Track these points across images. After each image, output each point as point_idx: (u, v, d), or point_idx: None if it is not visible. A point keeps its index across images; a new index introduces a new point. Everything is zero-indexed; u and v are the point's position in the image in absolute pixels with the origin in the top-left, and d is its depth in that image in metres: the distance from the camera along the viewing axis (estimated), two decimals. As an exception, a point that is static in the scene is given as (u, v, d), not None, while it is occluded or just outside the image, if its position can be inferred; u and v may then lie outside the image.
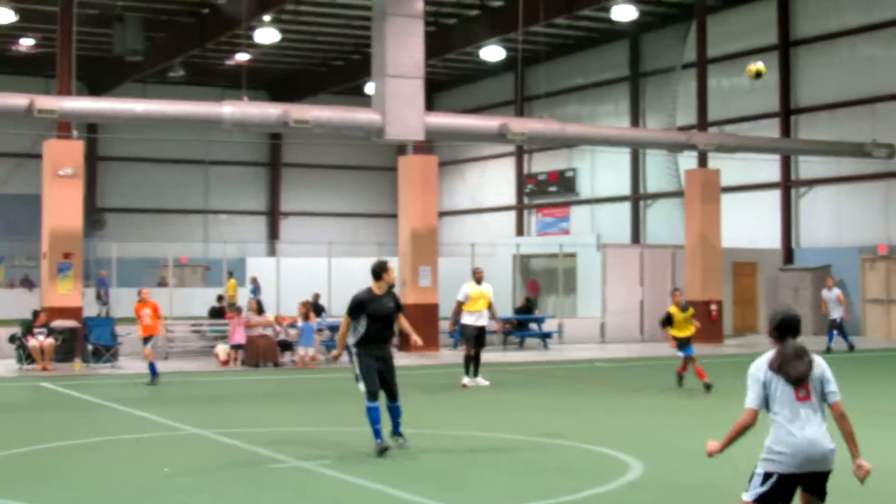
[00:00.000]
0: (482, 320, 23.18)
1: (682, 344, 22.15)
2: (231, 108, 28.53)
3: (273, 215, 60.41)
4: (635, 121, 49.64)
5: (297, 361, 29.04)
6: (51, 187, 30.18)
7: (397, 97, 29.54)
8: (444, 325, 34.91)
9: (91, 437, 16.05)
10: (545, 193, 54.76)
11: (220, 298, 34.11)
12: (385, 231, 57.86)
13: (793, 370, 8.11)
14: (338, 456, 14.22)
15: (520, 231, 55.21)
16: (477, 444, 15.60)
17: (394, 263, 32.73)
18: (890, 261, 39.65)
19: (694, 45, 39.75)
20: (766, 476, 8.01)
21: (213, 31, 43.37)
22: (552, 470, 13.44)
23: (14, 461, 13.99)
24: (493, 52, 48.08)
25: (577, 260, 41.27)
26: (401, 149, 41.75)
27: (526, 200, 56.05)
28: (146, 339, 23.80)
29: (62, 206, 30.08)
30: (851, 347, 33.52)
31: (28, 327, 27.97)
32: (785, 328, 8.36)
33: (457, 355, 32.68)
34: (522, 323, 36.94)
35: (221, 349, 29.39)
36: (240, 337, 28.87)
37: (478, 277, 23.27)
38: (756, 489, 8.03)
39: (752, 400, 8.18)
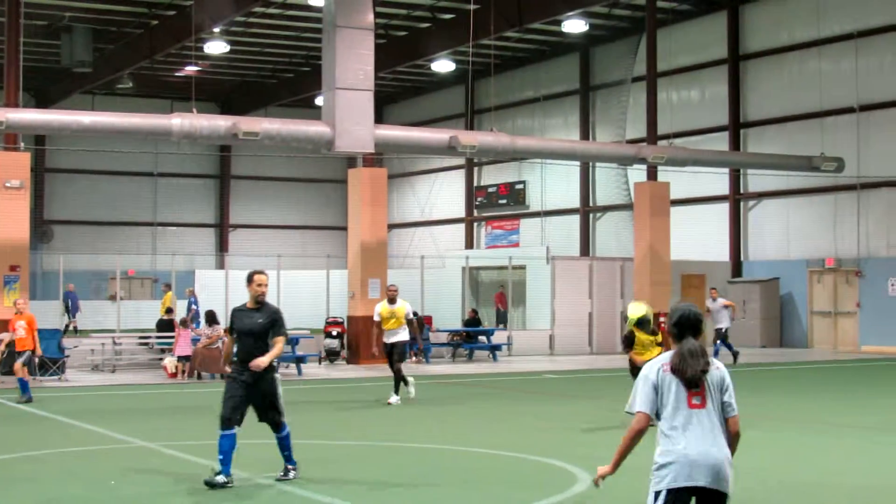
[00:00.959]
0: (396, 337, 22.52)
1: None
2: (180, 121, 28.40)
3: (222, 228, 60.18)
4: (585, 134, 49.82)
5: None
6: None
7: (347, 109, 29.49)
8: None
9: (37, 450, 15.89)
10: (495, 206, 54.86)
11: (168, 311, 33.90)
12: (335, 244, 57.78)
13: (689, 369, 7.23)
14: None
15: (469, 243, 55.27)
16: (424, 455, 15.57)
17: (341, 275, 32.71)
18: (837, 273, 39.97)
19: (644, 58, 39.91)
20: (656, 495, 7.30)
21: (163, 42, 43.19)
22: (500, 482, 13.41)
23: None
24: (443, 65, 48.27)
25: (527, 272, 41.31)
26: (351, 161, 41.77)
27: (476, 213, 56.14)
28: (19, 354, 22.88)
29: (9, 219, 29.81)
30: (736, 357, 32.74)
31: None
32: (685, 325, 7.44)
33: (407, 367, 32.67)
34: (471, 335, 36.95)
35: (169, 361, 29.22)
36: (185, 349, 28.72)
37: (390, 296, 22.78)
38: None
39: (642, 403, 7.38)
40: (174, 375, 28.83)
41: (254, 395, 12.89)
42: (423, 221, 58.77)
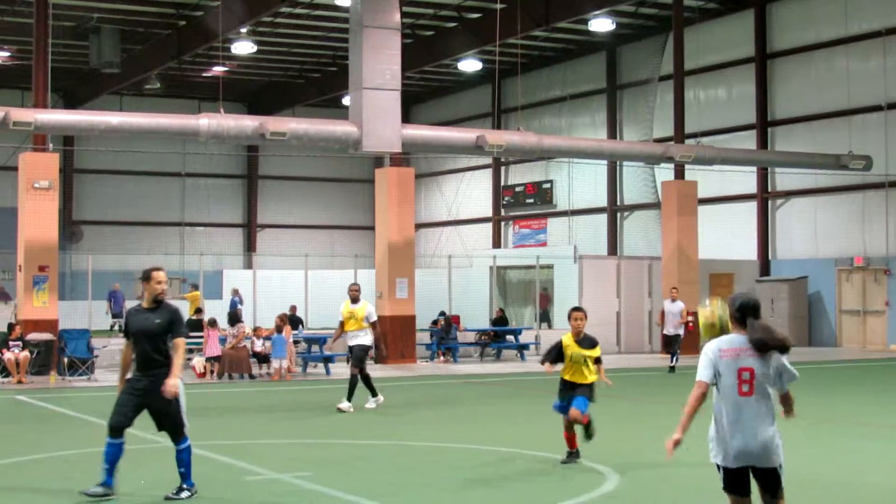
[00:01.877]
0: (354, 340, 21.18)
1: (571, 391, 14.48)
2: (208, 121, 28.47)
3: (250, 227, 60.27)
4: (612, 133, 49.71)
5: (272, 374, 28.97)
6: (26, 200, 30.04)
7: (374, 109, 29.52)
8: (422, 337, 35.04)
9: (66, 450, 15.96)
10: (522, 205, 54.79)
11: (197, 311, 33.96)
12: (362, 243, 57.80)
13: (765, 335, 8.05)
14: (315, 468, 14.16)
15: (497, 243, 55.21)
16: (451, 456, 15.57)
17: (369, 275, 32.68)
18: (866, 272, 39.78)
19: (671, 57, 39.82)
20: (717, 468, 8.35)
21: (190, 43, 43.29)
22: (529, 481, 13.40)
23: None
24: (470, 64, 48.25)
25: (554, 272, 41.26)
26: (378, 161, 41.77)
27: (503, 212, 56.06)
28: None
29: (38, 219, 29.95)
30: (672, 368, 30.14)
31: (3, 340, 27.83)
32: (746, 309, 8.19)
33: (435, 367, 32.72)
34: (499, 335, 36.94)
35: (198, 361, 29.28)
36: (215, 349, 28.79)
37: (352, 296, 21.37)
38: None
39: (704, 375, 8.21)
40: (203, 375, 28.89)
41: (152, 403, 11.97)
42: (451, 221, 58.74)
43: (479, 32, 42.09)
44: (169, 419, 12.03)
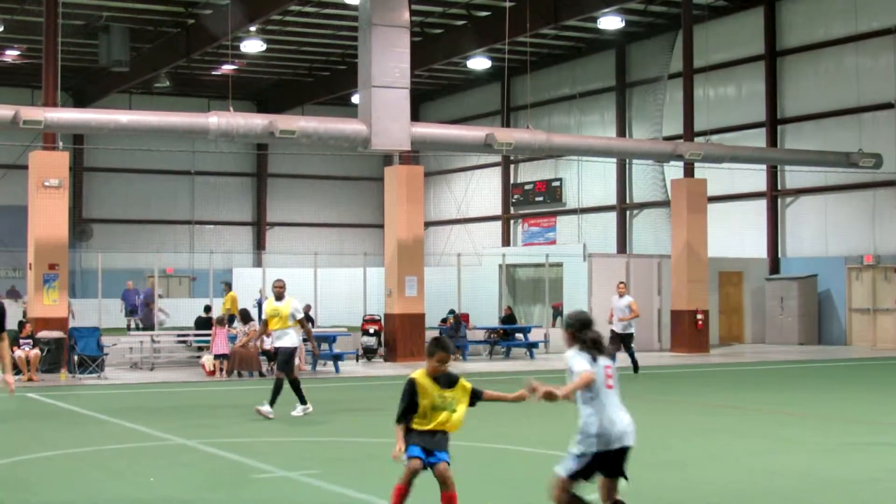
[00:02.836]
0: (279, 341, 19.85)
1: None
2: (217, 119, 28.50)
3: (259, 226, 60.33)
4: (622, 131, 49.70)
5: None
6: (36, 198, 30.09)
7: (383, 107, 29.54)
8: (431, 335, 34.97)
9: (76, 448, 15.98)
10: (531, 203, 54.79)
11: (207, 309, 34.01)
12: (371, 241, 57.85)
13: (598, 337, 9.30)
14: (325, 466, 14.18)
15: (506, 241, 55.22)
16: (460, 454, 15.56)
17: (378, 273, 32.73)
18: (876, 270, 39.72)
19: (680, 54, 39.79)
20: (581, 455, 9.28)
21: (199, 41, 43.32)
22: (535, 479, 13.40)
23: (-2, 472, 13.94)
24: (479, 62, 48.26)
25: (564, 270, 41.25)
26: (387, 159, 41.81)
27: (512, 210, 56.06)
28: None
29: (48, 217, 30.00)
30: (636, 369, 28.67)
31: (14, 338, 27.87)
32: (581, 324, 9.31)
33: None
34: (508, 333, 36.96)
35: (207, 359, 29.32)
36: (223, 347, 28.82)
37: (276, 292, 20.01)
38: (572, 466, 9.34)
39: (588, 367, 9.15)
40: (212, 373, 28.93)
41: None
42: (460, 219, 58.74)
43: (488, 30, 42.10)
44: None
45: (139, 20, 43.34)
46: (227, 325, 29.66)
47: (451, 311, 36.18)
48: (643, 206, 49.21)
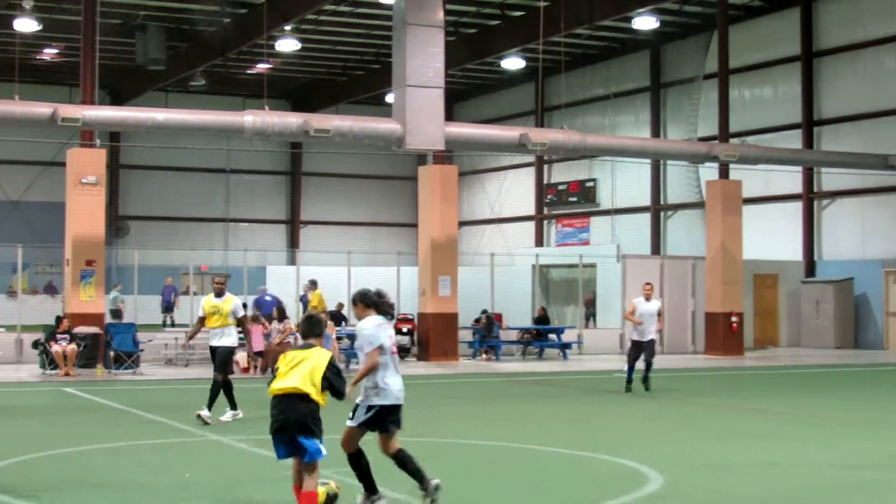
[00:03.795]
0: (217, 339, 18.73)
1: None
2: (252, 118, 28.60)
3: (293, 224, 60.47)
4: (656, 131, 49.57)
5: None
6: (74, 195, 30.30)
7: (417, 107, 29.57)
8: (464, 335, 35.01)
9: (112, 442, 16.06)
10: (565, 204, 54.72)
11: (243, 306, 34.09)
12: (405, 240, 57.85)
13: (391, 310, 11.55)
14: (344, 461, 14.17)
15: (539, 241, 55.16)
16: (495, 454, 15.58)
17: (412, 272, 32.74)
18: (912, 273, 39.51)
19: (716, 55, 39.67)
20: (372, 408, 11.16)
21: (235, 40, 43.50)
22: (570, 481, 13.41)
23: (34, 465, 14.02)
24: (513, 62, 48.24)
25: (597, 271, 41.18)
26: (421, 158, 41.85)
27: (546, 211, 56.00)
28: None
29: (85, 214, 30.20)
30: (647, 385, 24.30)
31: (51, 333, 28.09)
32: (368, 298, 11.51)
33: (477, 365, 32.71)
34: (541, 333, 36.92)
35: (242, 357, 29.42)
36: (258, 344, 28.93)
37: (216, 289, 18.98)
38: (361, 418, 11.21)
39: (382, 341, 11.15)
40: (247, 370, 29.04)
41: None
42: (493, 219, 58.71)
43: (523, 30, 42.05)
44: None
45: (175, 19, 43.53)
46: (258, 322, 29.71)
47: (484, 311, 36.17)
48: (677, 207, 49.07)
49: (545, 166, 55.99)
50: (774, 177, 42.37)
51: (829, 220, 42.83)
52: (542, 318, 38.43)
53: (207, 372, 29.07)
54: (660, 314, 24.58)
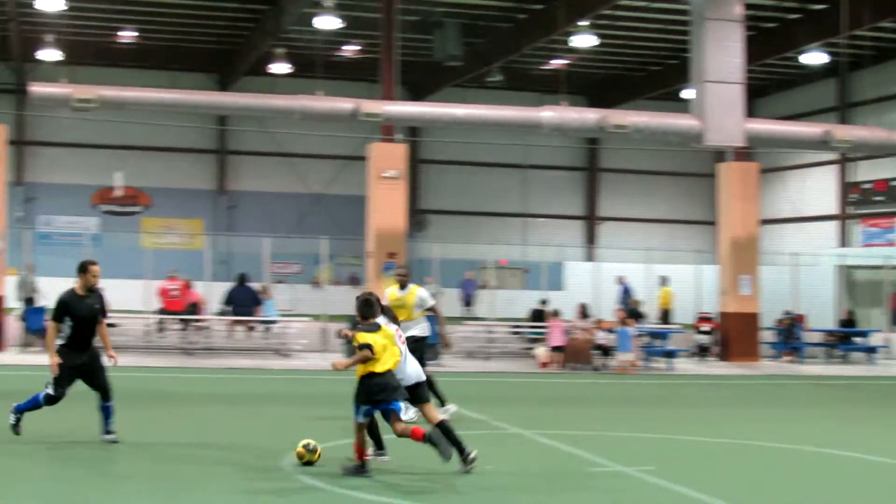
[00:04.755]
0: (409, 332, 16.92)
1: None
2: (550, 114, 28.71)
3: (591, 220, 60.36)
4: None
5: (616, 366, 28.89)
6: (375, 189, 31.00)
7: (716, 103, 29.17)
8: (766, 336, 34.23)
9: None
10: (870, 203, 52.88)
11: (543, 302, 34.26)
12: (703, 238, 56.93)
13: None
14: (659, 463, 14.00)
15: (843, 241, 53.49)
16: (799, 458, 15.17)
17: (711, 270, 32.14)
18: None
19: None
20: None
21: (531, 36, 43.64)
22: (876, 491, 12.91)
23: (334, 450, 14.26)
24: (814, 57, 46.85)
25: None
26: (719, 155, 41.09)
27: (849, 210, 54.27)
28: None
29: (386, 208, 30.87)
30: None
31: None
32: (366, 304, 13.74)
33: (780, 367, 31.95)
34: (846, 336, 35.77)
35: (541, 351, 29.52)
36: (559, 339, 28.98)
37: (399, 281, 18.24)
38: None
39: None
40: (545, 365, 29.11)
41: (91, 369, 14.21)
42: (794, 218, 57.24)
43: (824, 24, 40.79)
44: (103, 381, 14.26)
45: (472, 15, 43.96)
46: (560, 318, 29.77)
47: (787, 313, 35.25)
48: None
49: (848, 164, 54.26)
50: None
51: None
52: (848, 321, 37.23)
53: (509, 366, 29.40)
54: None
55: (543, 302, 34.14)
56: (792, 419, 19.83)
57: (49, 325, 14.24)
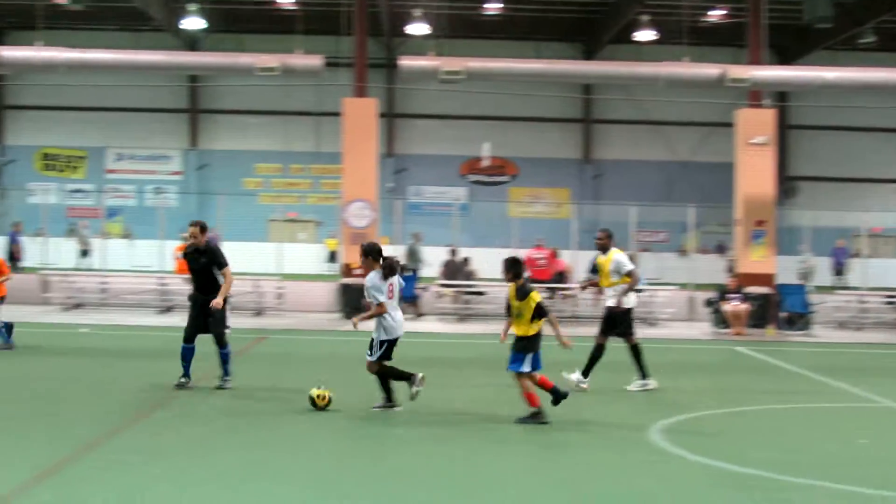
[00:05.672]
0: (608, 301, 17.07)
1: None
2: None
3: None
4: None
5: None
6: (743, 156, 30.52)
7: None
8: None
9: (783, 404, 15.98)
10: None
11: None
12: None
13: (394, 268, 14.28)
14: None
15: None
16: None
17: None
18: None
19: None
20: (385, 342, 14.12)
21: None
22: None
23: (709, 421, 14.20)
24: None
25: None
26: None
27: None
28: None
29: (754, 175, 30.36)
30: None
31: (723, 292, 28.46)
32: (374, 253, 14.29)
33: None
34: None
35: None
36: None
37: (598, 244, 17.22)
38: (378, 353, 14.13)
39: (383, 297, 14.03)
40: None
41: (204, 317, 15.90)
42: None
43: None
44: (214, 330, 15.89)
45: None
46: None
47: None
48: None
49: None
50: None
51: None
52: None
53: (883, 337, 28.46)
54: None
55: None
56: None
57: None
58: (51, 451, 11.35)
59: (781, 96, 49.94)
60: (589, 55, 51.63)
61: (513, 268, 13.83)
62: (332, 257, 45.37)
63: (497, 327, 15.89)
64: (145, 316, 29.19)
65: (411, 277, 30.02)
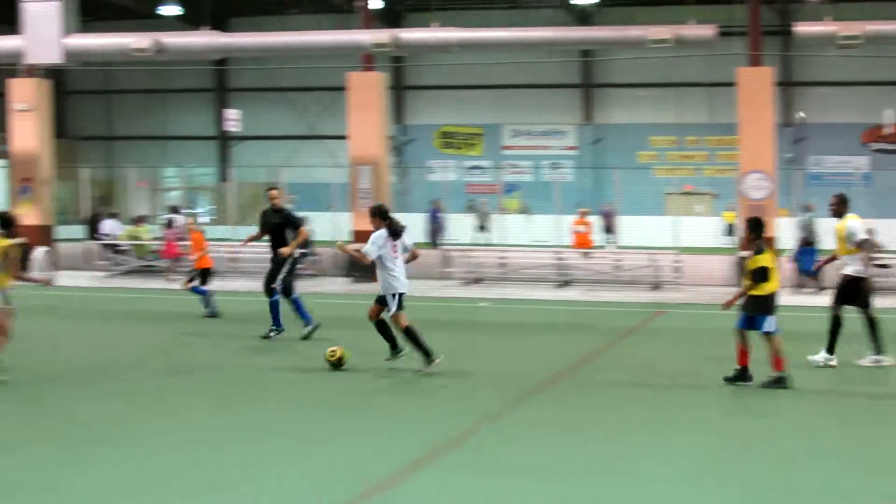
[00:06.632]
0: (844, 269, 15.97)
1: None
2: None
3: None
4: None
5: None
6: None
7: None
8: None
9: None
10: None
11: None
12: None
13: (399, 230, 15.31)
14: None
15: None
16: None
17: None
18: None
19: None
20: (394, 295, 15.20)
21: None
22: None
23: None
24: None
25: None
26: None
27: None
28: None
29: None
30: None
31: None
32: (381, 213, 15.53)
33: None
34: None
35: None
36: None
37: (832, 209, 16.16)
38: (396, 304, 15.16)
39: (373, 252, 15.14)
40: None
41: (272, 269, 18.74)
42: None
43: None
44: (275, 281, 18.68)
45: None
46: None
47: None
48: None
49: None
50: None
51: None
52: None
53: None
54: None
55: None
56: None
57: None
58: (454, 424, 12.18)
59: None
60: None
61: (755, 229, 14.34)
62: (730, 230, 44.50)
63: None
64: (544, 290, 29.65)
65: (811, 250, 29.09)
